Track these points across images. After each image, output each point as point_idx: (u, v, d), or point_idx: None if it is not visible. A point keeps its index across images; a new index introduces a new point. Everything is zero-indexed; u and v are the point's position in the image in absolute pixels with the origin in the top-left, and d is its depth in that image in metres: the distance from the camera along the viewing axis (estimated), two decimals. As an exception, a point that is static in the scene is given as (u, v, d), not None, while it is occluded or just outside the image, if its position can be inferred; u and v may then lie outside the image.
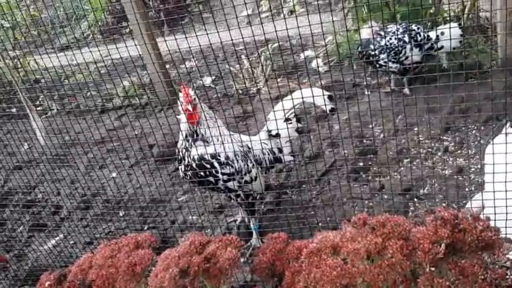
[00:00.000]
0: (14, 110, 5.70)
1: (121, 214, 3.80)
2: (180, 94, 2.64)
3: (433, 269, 1.39)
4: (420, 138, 3.77)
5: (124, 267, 1.67)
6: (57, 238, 3.72)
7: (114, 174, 4.28)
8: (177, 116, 2.79)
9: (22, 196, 4.36)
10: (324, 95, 2.88)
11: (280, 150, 3.19)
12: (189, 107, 2.61)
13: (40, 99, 5.78)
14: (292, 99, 2.81)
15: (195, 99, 2.65)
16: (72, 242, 3.63)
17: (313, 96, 2.76)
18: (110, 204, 3.90)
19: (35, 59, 4.64)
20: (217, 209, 3.59)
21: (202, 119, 2.72)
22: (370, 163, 3.69)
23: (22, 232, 3.89)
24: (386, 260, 1.40)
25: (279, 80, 5.10)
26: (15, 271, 3.42)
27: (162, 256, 1.65)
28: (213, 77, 5.74)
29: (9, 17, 5.09)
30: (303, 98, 2.82)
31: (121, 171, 4.24)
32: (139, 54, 3.70)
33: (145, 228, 3.60)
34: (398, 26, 4.14)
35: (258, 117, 4.06)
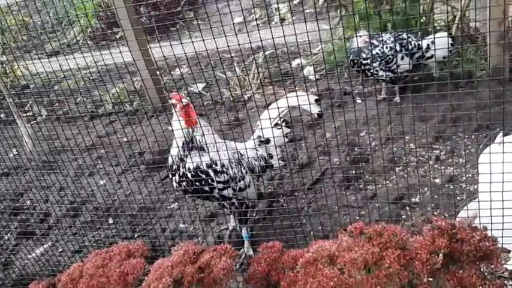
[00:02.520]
0: (2, 115, 5.63)
1: (110, 222, 3.74)
2: (172, 100, 2.62)
3: (430, 279, 1.38)
4: (411, 147, 3.77)
5: (116, 277, 1.63)
6: (45, 246, 3.66)
7: (103, 182, 4.23)
8: (171, 121, 2.76)
9: (9, 203, 4.28)
10: (311, 100, 2.89)
11: (271, 156, 3.19)
12: (184, 101, 2.59)
13: (29, 104, 5.71)
14: (280, 104, 2.82)
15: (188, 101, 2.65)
16: (60, 250, 3.58)
17: (299, 101, 2.76)
18: (99, 212, 3.84)
19: (23, 65, 4.60)
20: (209, 217, 3.56)
21: (198, 125, 2.71)
22: (361, 171, 3.68)
23: (9, 240, 3.81)
24: (384, 270, 1.38)
25: (270, 87, 5.09)
26: (1, 279, 3.35)
27: (154, 266, 1.61)
28: (205, 84, 5.72)
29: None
30: (290, 102, 2.82)
31: (110, 178, 4.19)
32: (131, 60, 3.67)
33: (135, 236, 3.55)
34: (389, 35, 4.16)
35: (249, 124, 4.04)
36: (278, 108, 2.92)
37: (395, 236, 1.46)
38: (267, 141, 3.14)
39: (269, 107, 3.03)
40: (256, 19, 6.04)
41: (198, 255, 1.60)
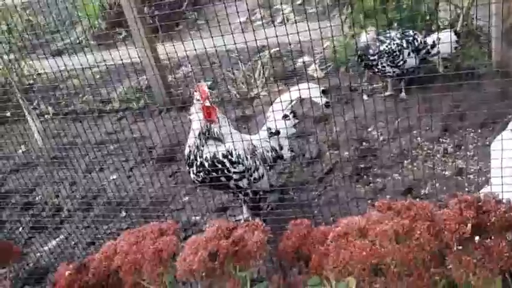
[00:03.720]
0: (8, 113, 5.65)
1: (123, 215, 3.79)
2: (196, 94, 2.69)
3: (459, 247, 1.44)
4: (419, 141, 3.84)
5: (150, 253, 1.68)
6: (61, 237, 3.70)
7: (114, 177, 4.27)
8: (191, 110, 2.82)
9: (20, 198, 4.32)
10: (318, 91, 2.97)
11: (281, 147, 3.26)
12: (207, 103, 2.66)
13: (35, 103, 5.73)
14: (288, 96, 2.90)
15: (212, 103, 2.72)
16: (73, 242, 3.62)
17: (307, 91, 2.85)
18: (111, 206, 3.89)
19: (29, 64, 4.63)
20: (220, 209, 3.61)
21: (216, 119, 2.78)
22: (370, 165, 3.74)
23: (22, 233, 3.85)
24: (415, 240, 1.44)
25: (275, 85, 5.14)
26: (16, 271, 3.39)
27: (188, 241, 1.67)
28: (209, 82, 5.77)
29: (5, 21, 5.08)
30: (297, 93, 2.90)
31: (121, 173, 4.22)
32: (137, 59, 3.72)
33: (148, 228, 3.59)
34: (396, 32, 4.24)
35: (255, 122, 4.13)
36: (287, 99, 3.00)
37: (424, 209, 1.53)
38: (277, 132, 3.20)
39: (277, 99, 3.11)
40: (255, 20, 6.11)
41: (231, 231, 1.65)
